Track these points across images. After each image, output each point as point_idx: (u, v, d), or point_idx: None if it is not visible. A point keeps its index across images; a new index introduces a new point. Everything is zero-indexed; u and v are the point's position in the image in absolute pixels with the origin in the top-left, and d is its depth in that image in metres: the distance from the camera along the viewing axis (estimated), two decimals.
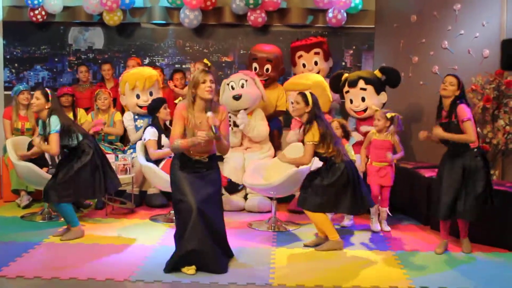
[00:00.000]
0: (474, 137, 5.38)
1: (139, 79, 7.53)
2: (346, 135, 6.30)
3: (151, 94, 7.59)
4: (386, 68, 7.22)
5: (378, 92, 7.15)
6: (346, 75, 7.37)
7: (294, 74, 8.21)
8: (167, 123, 7.03)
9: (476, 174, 5.42)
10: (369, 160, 6.41)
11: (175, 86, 8.00)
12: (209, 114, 4.83)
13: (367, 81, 7.14)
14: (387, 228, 6.35)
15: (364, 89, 7.14)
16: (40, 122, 5.88)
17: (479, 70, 6.87)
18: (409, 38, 7.83)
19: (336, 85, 7.37)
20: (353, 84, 7.18)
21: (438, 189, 5.56)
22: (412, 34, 7.80)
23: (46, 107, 5.77)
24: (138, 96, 7.55)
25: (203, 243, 4.85)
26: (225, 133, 5.01)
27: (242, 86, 7.37)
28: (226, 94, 7.42)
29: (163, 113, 6.90)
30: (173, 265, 4.90)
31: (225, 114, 5.04)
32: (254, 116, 7.43)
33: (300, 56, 8.01)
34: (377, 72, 7.19)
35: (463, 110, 5.40)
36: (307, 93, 5.64)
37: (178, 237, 4.95)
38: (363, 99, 7.15)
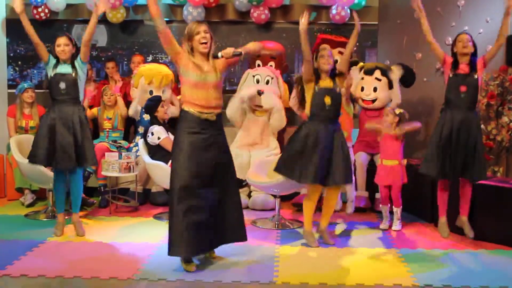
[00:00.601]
0: None
1: (156, 76, 7.52)
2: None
3: (163, 92, 7.58)
4: (405, 66, 7.25)
5: (390, 86, 7.19)
6: (361, 64, 7.40)
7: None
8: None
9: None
10: (379, 159, 6.38)
11: None
12: (220, 54, 4.88)
13: (383, 73, 7.22)
14: (398, 227, 6.30)
15: (379, 80, 7.20)
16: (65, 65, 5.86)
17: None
18: (412, 35, 7.80)
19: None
20: (369, 72, 7.26)
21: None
22: (415, 30, 7.73)
23: (73, 52, 5.89)
24: (151, 92, 7.54)
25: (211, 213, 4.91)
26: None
27: (267, 83, 7.39)
28: (248, 83, 7.45)
29: (161, 112, 6.89)
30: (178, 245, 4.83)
31: (223, 60, 5.01)
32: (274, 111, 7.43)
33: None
34: (394, 67, 7.23)
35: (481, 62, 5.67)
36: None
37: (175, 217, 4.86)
38: (375, 89, 7.17)
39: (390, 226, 6.33)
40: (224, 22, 8.51)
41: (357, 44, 8.40)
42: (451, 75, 5.66)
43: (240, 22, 8.50)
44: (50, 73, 5.82)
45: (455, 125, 5.56)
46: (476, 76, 5.59)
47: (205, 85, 4.89)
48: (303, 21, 5.63)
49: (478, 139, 5.56)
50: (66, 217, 6.10)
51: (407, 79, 7.22)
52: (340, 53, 7.87)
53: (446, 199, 5.84)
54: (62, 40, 5.83)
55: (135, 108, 7.54)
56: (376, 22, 8.36)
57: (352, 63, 7.34)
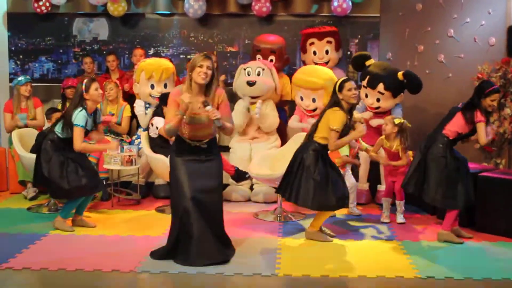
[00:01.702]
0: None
1: (156, 70, 7.50)
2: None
3: (165, 86, 7.56)
4: (410, 74, 6.95)
5: (395, 95, 7.02)
6: (371, 62, 7.21)
7: (303, 61, 8.16)
8: None
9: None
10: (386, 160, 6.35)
11: None
12: (208, 108, 4.79)
13: (387, 87, 6.97)
14: (401, 220, 6.27)
15: (382, 93, 7.01)
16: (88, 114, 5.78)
17: (485, 58, 6.84)
18: (414, 27, 7.80)
19: (359, 66, 7.30)
20: (372, 86, 7.05)
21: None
22: (417, 22, 7.76)
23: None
24: (152, 87, 7.52)
25: (199, 231, 4.87)
26: (226, 116, 4.95)
27: (258, 74, 7.38)
28: (240, 78, 7.44)
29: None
30: (166, 252, 4.97)
31: (221, 97, 4.99)
32: (265, 105, 7.42)
33: (312, 44, 7.94)
34: (399, 75, 6.94)
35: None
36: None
37: (172, 227, 5.00)
38: (378, 100, 7.09)
39: (391, 219, 6.31)
40: (225, 15, 8.48)
41: (359, 36, 8.39)
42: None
43: (242, 15, 8.47)
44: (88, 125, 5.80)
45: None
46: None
47: (199, 125, 4.94)
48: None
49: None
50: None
51: (412, 87, 7.01)
52: (329, 42, 7.88)
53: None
54: (97, 84, 5.79)
55: (140, 103, 7.54)
56: (378, 14, 8.32)
57: (363, 57, 7.25)
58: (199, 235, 4.87)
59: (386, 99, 7.02)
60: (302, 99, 7.33)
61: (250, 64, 7.52)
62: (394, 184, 6.24)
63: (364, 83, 7.13)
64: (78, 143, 5.65)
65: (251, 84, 7.30)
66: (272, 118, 7.42)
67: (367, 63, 7.21)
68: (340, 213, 6.44)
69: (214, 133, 5.05)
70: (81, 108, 5.66)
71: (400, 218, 6.28)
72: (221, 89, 5.09)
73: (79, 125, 5.63)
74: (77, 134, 5.64)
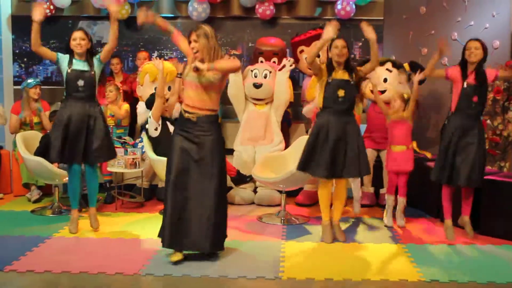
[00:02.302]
0: None
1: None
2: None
3: (169, 88, 7.56)
4: (416, 64, 7.09)
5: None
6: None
7: (299, 70, 8.16)
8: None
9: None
10: (388, 146, 6.35)
11: None
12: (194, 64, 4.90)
13: (395, 64, 7.15)
14: (402, 223, 6.23)
15: (390, 71, 7.11)
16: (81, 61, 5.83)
17: (489, 61, 6.79)
18: (418, 30, 7.79)
19: None
20: (381, 63, 7.07)
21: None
22: (421, 25, 7.75)
23: (88, 47, 5.85)
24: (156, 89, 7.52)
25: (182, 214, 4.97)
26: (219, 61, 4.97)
27: (265, 77, 7.39)
28: (247, 79, 7.45)
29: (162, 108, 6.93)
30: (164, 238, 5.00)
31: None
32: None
33: (302, 51, 7.94)
34: (406, 65, 7.13)
35: (490, 73, 5.72)
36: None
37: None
38: (385, 80, 7.10)
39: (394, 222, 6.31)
40: (229, 18, 8.50)
41: (362, 39, 8.39)
42: (465, 86, 5.65)
43: (245, 18, 8.49)
44: (66, 69, 5.76)
45: (464, 131, 5.61)
46: (486, 87, 5.70)
47: (195, 85, 4.97)
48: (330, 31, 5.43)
49: (481, 145, 5.61)
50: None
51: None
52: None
53: (450, 202, 5.81)
54: (78, 34, 5.77)
55: (143, 104, 7.55)
56: (382, 17, 8.33)
57: (366, 61, 7.28)
58: (171, 219, 4.97)
59: (392, 79, 7.07)
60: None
61: (257, 66, 7.53)
62: (399, 176, 6.22)
63: None
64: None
65: (257, 86, 7.32)
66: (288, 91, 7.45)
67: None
68: (344, 215, 6.45)
69: (210, 107, 5.03)
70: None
71: (400, 220, 6.24)
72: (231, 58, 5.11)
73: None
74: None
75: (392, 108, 6.28)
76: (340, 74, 5.56)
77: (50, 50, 5.87)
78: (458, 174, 5.57)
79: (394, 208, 6.32)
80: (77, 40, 5.74)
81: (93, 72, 5.79)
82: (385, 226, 6.24)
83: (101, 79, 6.03)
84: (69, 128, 5.71)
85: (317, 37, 7.79)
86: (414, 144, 6.30)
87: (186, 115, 4.98)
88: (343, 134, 5.49)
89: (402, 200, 6.26)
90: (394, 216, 6.31)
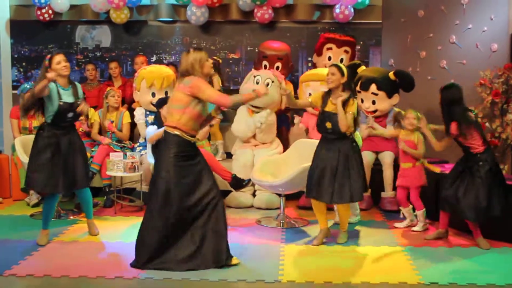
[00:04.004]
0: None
1: (157, 78, 7.49)
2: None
3: (166, 93, 7.57)
4: (401, 72, 7.06)
5: (390, 95, 7.08)
6: (362, 68, 7.17)
7: (314, 64, 8.15)
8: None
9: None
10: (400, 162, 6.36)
11: None
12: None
13: (379, 87, 7.05)
14: (418, 228, 6.20)
15: (376, 94, 7.07)
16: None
17: (488, 64, 6.84)
18: (416, 33, 7.80)
19: (352, 75, 7.27)
20: (365, 88, 7.11)
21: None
22: (419, 29, 7.77)
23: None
24: (153, 95, 7.53)
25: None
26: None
27: (267, 85, 7.35)
28: (248, 85, 7.43)
29: (164, 111, 6.93)
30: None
31: None
32: (268, 116, 7.42)
33: (330, 49, 7.92)
34: (391, 75, 7.05)
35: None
36: (341, 64, 5.69)
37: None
38: (373, 102, 7.12)
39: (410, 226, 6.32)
40: (227, 22, 8.52)
41: (361, 42, 8.41)
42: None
43: (244, 22, 8.50)
44: (57, 100, 5.53)
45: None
46: None
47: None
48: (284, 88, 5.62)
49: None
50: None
51: (404, 85, 7.06)
52: (346, 51, 7.88)
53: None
54: (61, 57, 5.59)
55: (140, 111, 7.56)
56: (380, 21, 8.35)
57: (355, 66, 7.30)
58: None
59: (381, 100, 7.08)
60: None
61: (261, 73, 7.51)
62: (409, 192, 6.22)
63: (358, 88, 7.17)
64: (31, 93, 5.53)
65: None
66: (273, 128, 7.45)
67: (359, 70, 7.25)
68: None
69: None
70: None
71: (419, 227, 6.20)
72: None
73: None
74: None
75: (407, 127, 6.25)
76: (330, 106, 5.62)
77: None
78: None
79: (398, 211, 6.34)
80: (62, 63, 5.56)
81: (78, 102, 5.66)
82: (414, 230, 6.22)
83: None
84: (54, 157, 5.58)
85: (350, 43, 7.88)
86: (425, 161, 6.26)
87: (195, 139, 5.05)
88: (334, 161, 5.55)
89: (419, 213, 6.22)
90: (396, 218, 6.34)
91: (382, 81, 7.08)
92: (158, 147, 5.32)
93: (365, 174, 5.78)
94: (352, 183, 5.54)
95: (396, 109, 6.36)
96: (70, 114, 5.64)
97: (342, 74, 5.58)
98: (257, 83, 7.40)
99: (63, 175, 5.59)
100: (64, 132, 5.66)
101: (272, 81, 7.37)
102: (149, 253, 4.94)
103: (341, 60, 7.83)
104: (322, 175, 5.56)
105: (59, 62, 5.54)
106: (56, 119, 5.59)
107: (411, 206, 6.29)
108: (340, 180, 5.52)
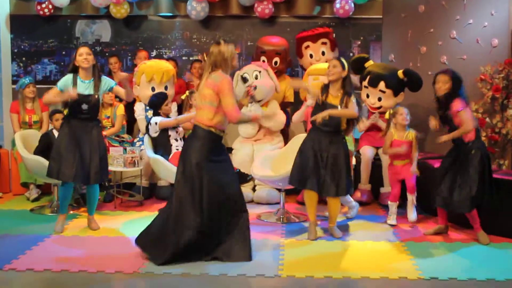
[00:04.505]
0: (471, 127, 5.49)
1: (156, 72, 7.50)
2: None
3: (166, 88, 7.57)
4: (410, 72, 7.04)
5: (396, 94, 7.08)
6: (370, 63, 7.25)
7: (301, 66, 8.19)
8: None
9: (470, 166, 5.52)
10: (390, 160, 6.35)
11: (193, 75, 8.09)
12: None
13: (388, 85, 7.04)
14: (413, 218, 6.20)
15: (383, 92, 7.07)
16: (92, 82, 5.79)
17: (488, 59, 6.84)
18: (417, 28, 7.79)
19: (359, 69, 7.30)
20: (373, 84, 7.10)
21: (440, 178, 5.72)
22: (420, 24, 7.76)
23: (94, 63, 5.81)
24: (153, 89, 7.52)
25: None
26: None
27: (256, 78, 7.36)
28: (239, 86, 7.40)
29: (164, 109, 6.96)
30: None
31: None
32: (270, 107, 7.42)
33: (307, 47, 7.97)
34: (400, 73, 7.02)
35: (457, 103, 5.51)
36: (343, 59, 5.69)
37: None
38: (379, 99, 7.12)
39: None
40: (228, 17, 8.50)
41: (362, 38, 8.40)
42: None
43: (244, 17, 8.49)
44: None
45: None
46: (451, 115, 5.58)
47: None
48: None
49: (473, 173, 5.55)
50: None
51: (413, 85, 7.06)
52: (323, 43, 7.88)
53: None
54: (84, 50, 5.74)
55: (140, 107, 7.56)
56: (381, 16, 8.33)
57: (362, 60, 7.30)
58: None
59: (387, 98, 7.06)
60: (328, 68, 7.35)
61: (246, 69, 7.50)
62: (405, 181, 6.21)
63: (365, 83, 7.16)
64: (46, 95, 5.70)
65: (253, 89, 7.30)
66: (280, 116, 7.41)
67: (366, 64, 7.26)
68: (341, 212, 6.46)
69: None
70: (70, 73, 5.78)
71: (413, 216, 6.21)
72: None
73: (56, 86, 5.73)
74: (51, 90, 5.74)
75: (396, 123, 6.26)
76: (331, 98, 5.63)
77: (52, 94, 5.73)
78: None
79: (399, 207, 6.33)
80: (84, 55, 5.70)
81: (96, 96, 5.74)
82: (389, 224, 6.24)
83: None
84: (68, 147, 5.69)
85: (324, 34, 7.81)
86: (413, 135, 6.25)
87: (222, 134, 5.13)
88: (325, 153, 5.58)
89: (412, 198, 6.24)
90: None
91: (391, 79, 7.06)
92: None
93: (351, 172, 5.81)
94: (342, 178, 5.57)
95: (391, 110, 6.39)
96: (85, 106, 5.70)
97: (343, 68, 5.58)
98: (245, 80, 7.36)
99: (77, 167, 5.67)
100: (82, 125, 5.74)
101: (260, 72, 7.36)
102: (175, 249, 4.94)
103: (323, 53, 7.84)
104: (315, 167, 5.58)
105: (81, 54, 5.72)
106: (71, 110, 5.76)
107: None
108: (330, 174, 5.56)
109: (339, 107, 5.56)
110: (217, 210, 4.97)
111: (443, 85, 5.60)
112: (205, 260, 4.97)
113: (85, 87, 5.71)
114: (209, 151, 4.98)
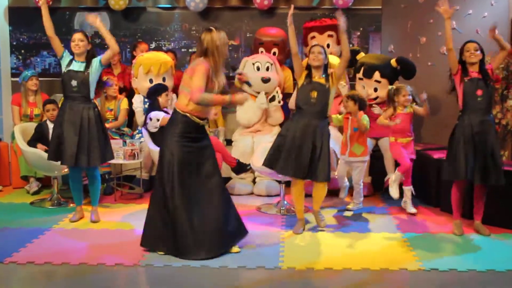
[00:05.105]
0: None
1: (154, 64, 7.49)
2: (361, 105, 6.17)
3: (164, 79, 7.55)
4: (403, 59, 7.09)
5: (391, 82, 7.07)
6: (362, 55, 7.30)
7: (306, 54, 8.15)
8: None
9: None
10: (394, 139, 6.34)
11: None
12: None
13: (383, 75, 7.08)
14: (412, 210, 6.26)
15: (379, 82, 7.10)
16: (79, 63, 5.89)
17: (488, 50, 6.79)
18: (417, 19, 7.78)
19: (351, 61, 7.27)
20: (368, 75, 7.14)
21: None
22: (420, 14, 7.74)
23: (88, 48, 5.92)
24: (151, 81, 7.51)
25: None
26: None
27: (267, 69, 7.37)
28: (252, 73, 7.43)
29: (164, 99, 6.90)
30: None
31: None
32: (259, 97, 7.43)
33: (313, 37, 7.92)
34: (393, 62, 7.08)
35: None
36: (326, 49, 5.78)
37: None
38: (375, 90, 7.13)
39: (395, 212, 6.30)
40: (227, 8, 8.46)
41: (361, 29, 8.37)
42: (466, 80, 5.48)
43: (243, 8, 8.44)
44: (64, 69, 5.88)
45: (474, 129, 5.40)
46: (489, 82, 5.45)
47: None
48: (289, 15, 5.60)
49: (495, 143, 5.46)
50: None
51: (406, 72, 7.11)
52: (330, 36, 7.86)
53: (461, 201, 5.70)
54: (77, 36, 5.89)
55: (138, 99, 7.54)
56: (380, 7, 8.30)
57: (353, 52, 7.29)
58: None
59: (383, 87, 7.06)
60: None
61: (258, 59, 7.50)
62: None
63: (360, 74, 7.19)
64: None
65: (266, 80, 7.36)
66: (278, 113, 7.46)
67: (358, 57, 7.27)
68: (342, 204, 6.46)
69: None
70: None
71: (410, 207, 6.26)
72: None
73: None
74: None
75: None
76: (317, 78, 5.63)
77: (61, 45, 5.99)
78: (483, 174, 5.40)
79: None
80: (76, 41, 5.87)
81: (86, 73, 5.82)
82: (410, 213, 6.29)
83: (98, 82, 6.02)
84: (62, 130, 5.77)
85: (332, 27, 7.77)
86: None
87: (203, 122, 5.05)
88: (312, 137, 5.52)
89: (408, 189, 6.28)
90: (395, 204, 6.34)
91: (385, 68, 7.10)
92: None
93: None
94: (324, 163, 5.52)
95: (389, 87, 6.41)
96: (74, 83, 5.80)
97: (325, 56, 5.65)
98: (258, 69, 7.40)
99: (77, 150, 5.73)
100: (78, 108, 5.79)
101: (272, 64, 7.37)
102: (155, 237, 4.99)
103: (328, 46, 7.80)
104: (299, 152, 5.51)
105: (73, 40, 5.88)
106: (64, 89, 5.90)
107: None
108: (316, 159, 5.50)
109: (326, 84, 5.58)
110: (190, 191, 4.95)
111: (475, 51, 5.52)
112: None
113: (78, 66, 5.86)
114: (181, 136, 4.93)
